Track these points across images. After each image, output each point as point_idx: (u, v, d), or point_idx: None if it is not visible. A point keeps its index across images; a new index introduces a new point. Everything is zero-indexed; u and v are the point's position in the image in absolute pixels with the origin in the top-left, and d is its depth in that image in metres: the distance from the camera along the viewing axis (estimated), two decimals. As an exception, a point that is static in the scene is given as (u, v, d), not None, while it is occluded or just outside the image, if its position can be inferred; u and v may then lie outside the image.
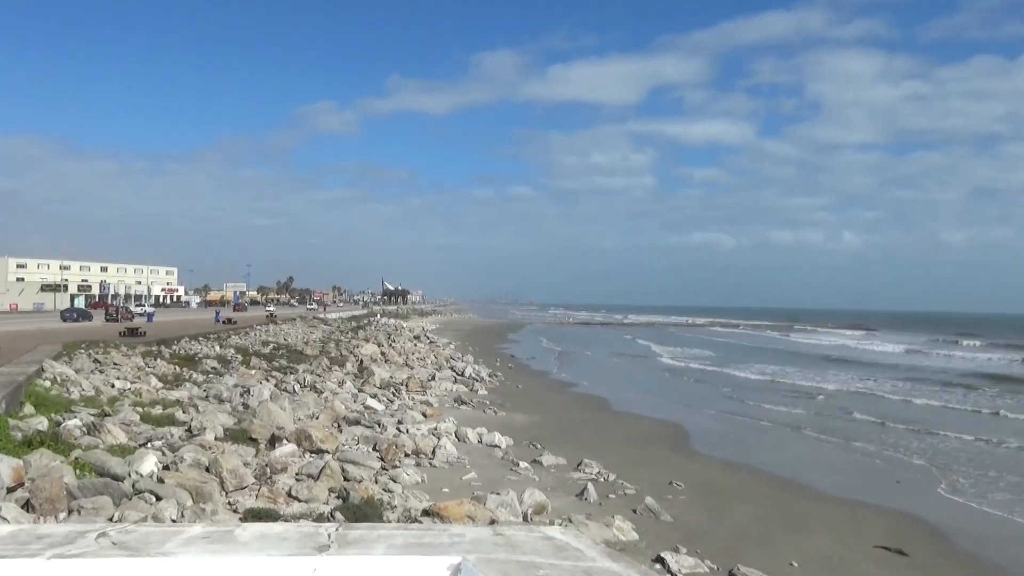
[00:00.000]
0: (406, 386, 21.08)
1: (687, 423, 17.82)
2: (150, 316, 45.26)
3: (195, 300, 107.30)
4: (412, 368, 26.39)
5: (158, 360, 18.47)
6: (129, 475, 7.03)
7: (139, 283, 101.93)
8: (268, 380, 18.05)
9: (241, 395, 14.40)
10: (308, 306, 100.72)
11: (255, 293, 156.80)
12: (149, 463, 7.38)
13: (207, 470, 7.68)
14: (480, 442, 13.37)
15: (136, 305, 65.34)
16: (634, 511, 9.24)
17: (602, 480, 10.89)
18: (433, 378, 23.99)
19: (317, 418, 13.60)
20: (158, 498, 6.49)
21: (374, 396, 18.00)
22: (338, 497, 7.86)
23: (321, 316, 61.14)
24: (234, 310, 78.34)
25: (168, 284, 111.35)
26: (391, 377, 22.62)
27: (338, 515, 6.97)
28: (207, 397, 14.14)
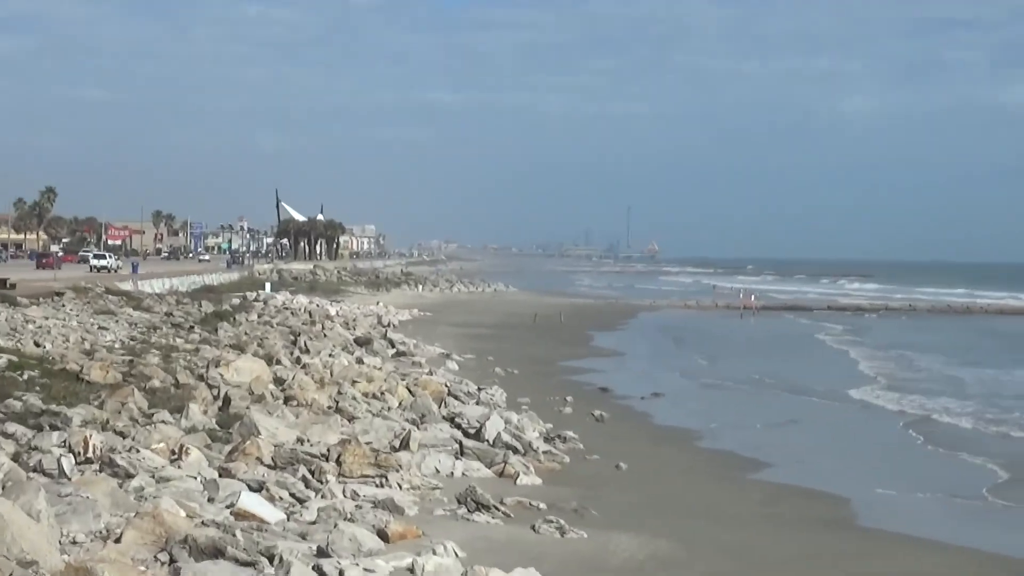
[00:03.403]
0: (338, 462, 21.23)
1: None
2: None
3: None
4: (352, 420, 26.70)
5: None
6: None
7: None
8: (-2, 444, 18.39)
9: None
10: (93, 259, 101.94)
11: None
12: None
13: None
14: (524, 611, 13.67)
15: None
16: None
17: None
18: (405, 443, 24.14)
19: (118, 540, 13.72)
20: None
21: (259, 487, 18.33)
22: None
23: (127, 287, 62.27)
24: (40, 265, 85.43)
25: None
26: (301, 441, 22.85)
27: None
28: None
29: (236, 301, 66.54)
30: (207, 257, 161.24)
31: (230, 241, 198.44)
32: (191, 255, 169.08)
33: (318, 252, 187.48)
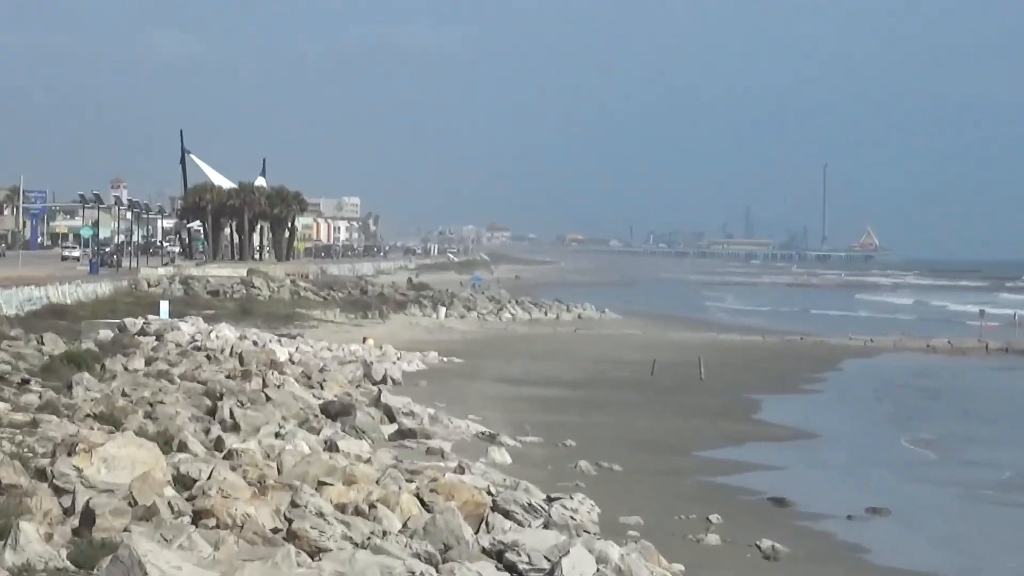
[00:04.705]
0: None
1: None
2: None
3: None
4: (317, 555, 26.22)
5: None
6: None
7: None
8: None
9: None
10: None
11: None
12: None
13: None
14: None
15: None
16: None
17: None
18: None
19: None
20: None
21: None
22: None
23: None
24: None
25: None
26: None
27: None
28: None
29: (106, 334, 66.75)
30: (76, 252, 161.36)
31: (96, 225, 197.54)
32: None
33: (256, 246, 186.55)
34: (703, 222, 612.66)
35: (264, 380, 54.80)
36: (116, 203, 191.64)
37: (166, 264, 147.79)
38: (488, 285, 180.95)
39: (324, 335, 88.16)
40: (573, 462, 44.32)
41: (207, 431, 39.52)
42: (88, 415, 39.71)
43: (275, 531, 28.01)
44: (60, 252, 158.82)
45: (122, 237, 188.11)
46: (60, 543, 24.93)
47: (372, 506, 31.38)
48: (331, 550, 26.88)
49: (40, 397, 42.67)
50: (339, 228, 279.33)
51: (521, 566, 27.14)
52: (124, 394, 45.86)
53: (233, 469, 32.37)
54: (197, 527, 27.06)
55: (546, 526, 31.56)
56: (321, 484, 32.44)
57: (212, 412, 43.69)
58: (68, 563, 23.81)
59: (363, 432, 45.05)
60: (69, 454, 30.90)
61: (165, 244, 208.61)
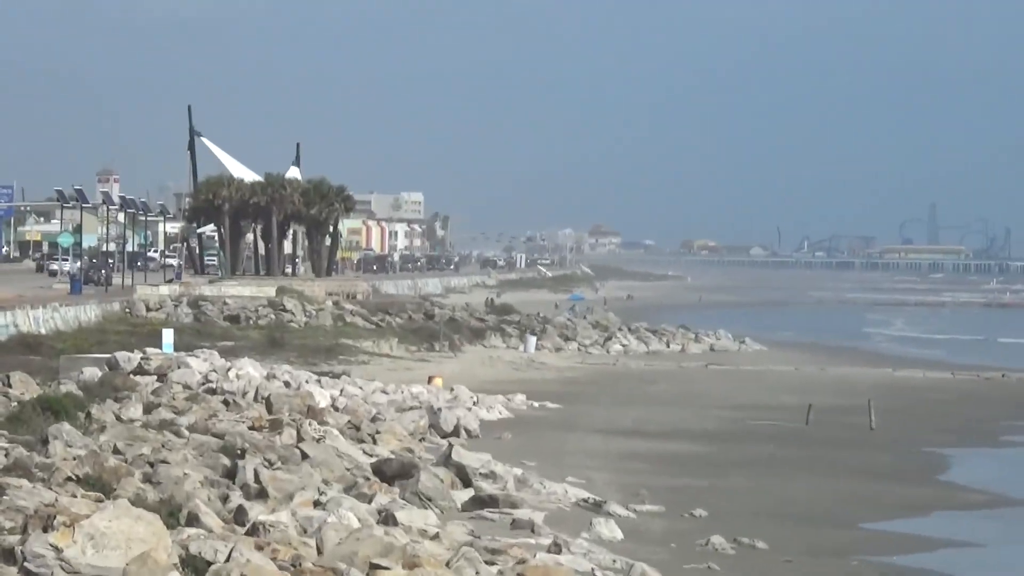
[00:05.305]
0: None
1: None
2: None
3: None
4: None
5: None
6: None
7: None
8: None
9: None
10: None
11: None
12: None
13: None
14: None
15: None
16: None
17: None
18: None
19: None
20: None
21: None
22: None
23: None
24: None
25: None
26: None
27: None
28: None
29: (92, 373, 66.85)
30: (65, 265, 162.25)
31: (78, 230, 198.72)
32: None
33: (284, 256, 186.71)
34: (874, 224, 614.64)
35: (299, 432, 55.01)
36: (104, 201, 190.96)
37: (170, 281, 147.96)
38: (591, 307, 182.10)
39: (377, 373, 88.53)
40: (704, 538, 44.35)
41: (225, 499, 39.64)
42: (69, 478, 39.73)
43: None
44: (39, 264, 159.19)
45: (112, 246, 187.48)
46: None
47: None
48: None
49: (6, 455, 42.49)
50: (396, 233, 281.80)
51: None
52: (116, 451, 45.99)
53: (259, 548, 32.38)
54: None
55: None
56: (374, 568, 32.22)
57: (231, 474, 43.56)
58: None
59: (429, 499, 44.88)
60: (45, 529, 30.78)
61: (167, 255, 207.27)
